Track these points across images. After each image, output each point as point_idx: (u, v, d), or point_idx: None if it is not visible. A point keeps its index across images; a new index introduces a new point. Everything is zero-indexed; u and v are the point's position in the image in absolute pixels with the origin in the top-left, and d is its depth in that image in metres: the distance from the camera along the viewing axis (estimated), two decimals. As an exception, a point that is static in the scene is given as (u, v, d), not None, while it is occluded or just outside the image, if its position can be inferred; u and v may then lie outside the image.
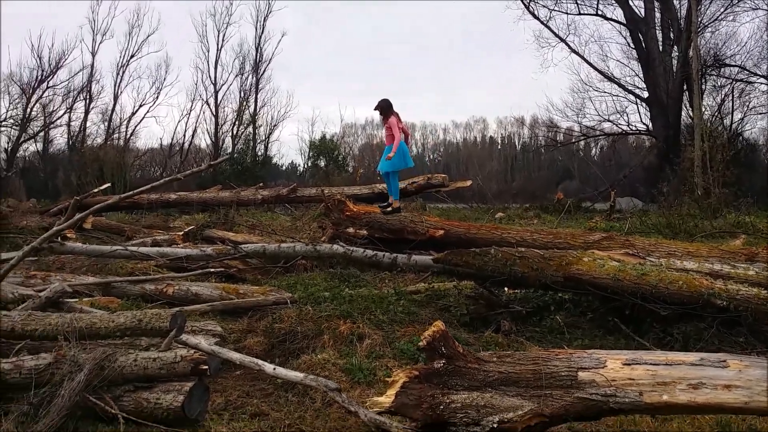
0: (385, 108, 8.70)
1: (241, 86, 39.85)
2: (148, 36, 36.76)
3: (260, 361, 4.36)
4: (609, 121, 27.14)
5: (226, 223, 10.94)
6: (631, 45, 26.53)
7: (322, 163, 34.80)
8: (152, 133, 58.11)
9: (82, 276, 7.12)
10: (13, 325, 4.62)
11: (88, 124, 35.74)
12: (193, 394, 3.82)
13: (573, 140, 29.25)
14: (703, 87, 24.32)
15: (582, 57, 27.73)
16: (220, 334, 5.26)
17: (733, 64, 25.51)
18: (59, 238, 8.04)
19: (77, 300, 5.66)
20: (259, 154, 36.96)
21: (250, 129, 38.35)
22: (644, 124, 27.20)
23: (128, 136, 37.70)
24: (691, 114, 23.55)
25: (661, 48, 25.03)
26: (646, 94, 26.22)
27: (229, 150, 39.28)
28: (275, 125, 40.11)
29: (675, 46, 25.16)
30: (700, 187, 17.20)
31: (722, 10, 24.06)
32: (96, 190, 15.37)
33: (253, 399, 4.42)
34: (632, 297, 4.68)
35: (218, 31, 38.30)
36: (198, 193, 13.30)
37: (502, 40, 75.67)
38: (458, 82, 73.67)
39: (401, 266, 6.35)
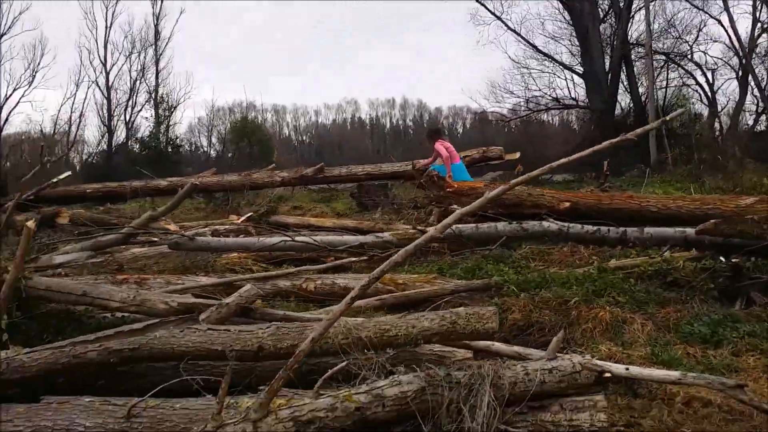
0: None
1: (131, 67, 36.82)
2: (21, 13, 32.91)
3: (605, 363, 3.63)
4: (544, 97, 27.91)
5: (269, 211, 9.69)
6: (569, 20, 27.15)
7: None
8: (29, 119, 51.98)
9: (192, 276, 5.88)
10: (260, 343, 3.60)
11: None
12: (604, 409, 3.06)
13: (522, 116, 29.78)
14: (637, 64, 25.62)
15: (517, 33, 28.19)
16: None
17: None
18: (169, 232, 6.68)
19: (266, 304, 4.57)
20: (170, 138, 34.28)
21: (152, 112, 35.52)
22: (573, 99, 28.24)
23: (2, 123, 33.66)
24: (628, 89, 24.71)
25: (597, 23, 25.81)
26: (581, 70, 26.97)
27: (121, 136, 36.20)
28: (175, 107, 37.43)
29: (608, 21, 26.13)
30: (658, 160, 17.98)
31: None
32: (56, 180, 13.49)
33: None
34: None
35: (106, 8, 35.14)
36: (197, 178, 11.83)
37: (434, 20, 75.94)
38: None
39: (632, 241, 5.75)
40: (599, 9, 26.73)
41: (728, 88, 35.64)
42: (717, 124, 25.80)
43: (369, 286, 2.90)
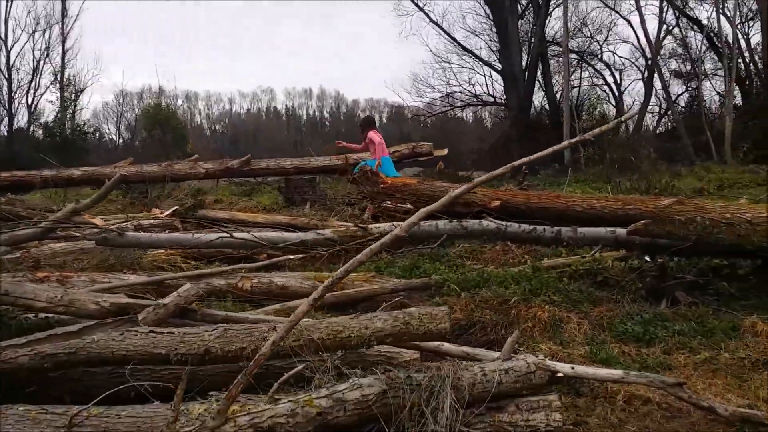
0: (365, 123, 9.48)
1: (34, 46, 34.69)
2: None
3: (552, 362, 3.72)
4: (463, 92, 28.53)
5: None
6: (489, 14, 27.78)
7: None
8: None
9: (119, 274, 5.58)
10: (207, 346, 3.46)
11: None
12: (556, 408, 3.13)
13: (440, 111, 30.22)
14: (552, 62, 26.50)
15: (439, 26, 28.66)
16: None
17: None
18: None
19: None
20: (77, 123, 32.42)
21: (57, 95, 33.53)
22: (491, 95, 28.99)
23: None
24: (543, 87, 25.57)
25: (516, 18, 26.56)
26: (500, 66, 27.68)
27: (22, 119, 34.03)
28: (82, 90, 35.45)
29: (526, 17, 26.99)
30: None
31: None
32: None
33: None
34: None
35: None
36: (113, 168, 11.24)
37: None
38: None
39: (566, 240, 5.88)
40: (519, 4, 27.59)
41: (633, 90, 37.67)
42: (623, 125, 27.11)
43: (332, 286, 2.85)
